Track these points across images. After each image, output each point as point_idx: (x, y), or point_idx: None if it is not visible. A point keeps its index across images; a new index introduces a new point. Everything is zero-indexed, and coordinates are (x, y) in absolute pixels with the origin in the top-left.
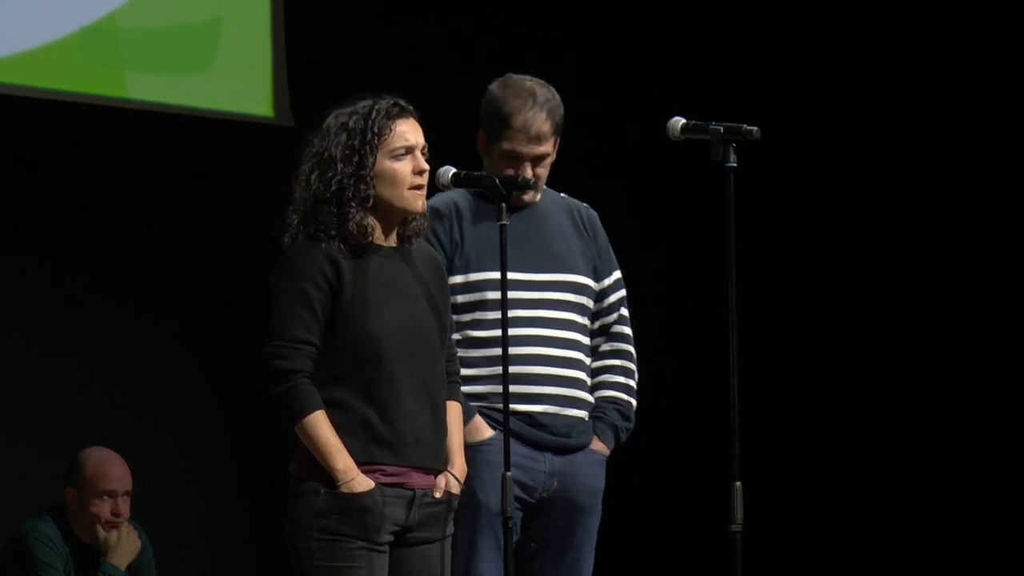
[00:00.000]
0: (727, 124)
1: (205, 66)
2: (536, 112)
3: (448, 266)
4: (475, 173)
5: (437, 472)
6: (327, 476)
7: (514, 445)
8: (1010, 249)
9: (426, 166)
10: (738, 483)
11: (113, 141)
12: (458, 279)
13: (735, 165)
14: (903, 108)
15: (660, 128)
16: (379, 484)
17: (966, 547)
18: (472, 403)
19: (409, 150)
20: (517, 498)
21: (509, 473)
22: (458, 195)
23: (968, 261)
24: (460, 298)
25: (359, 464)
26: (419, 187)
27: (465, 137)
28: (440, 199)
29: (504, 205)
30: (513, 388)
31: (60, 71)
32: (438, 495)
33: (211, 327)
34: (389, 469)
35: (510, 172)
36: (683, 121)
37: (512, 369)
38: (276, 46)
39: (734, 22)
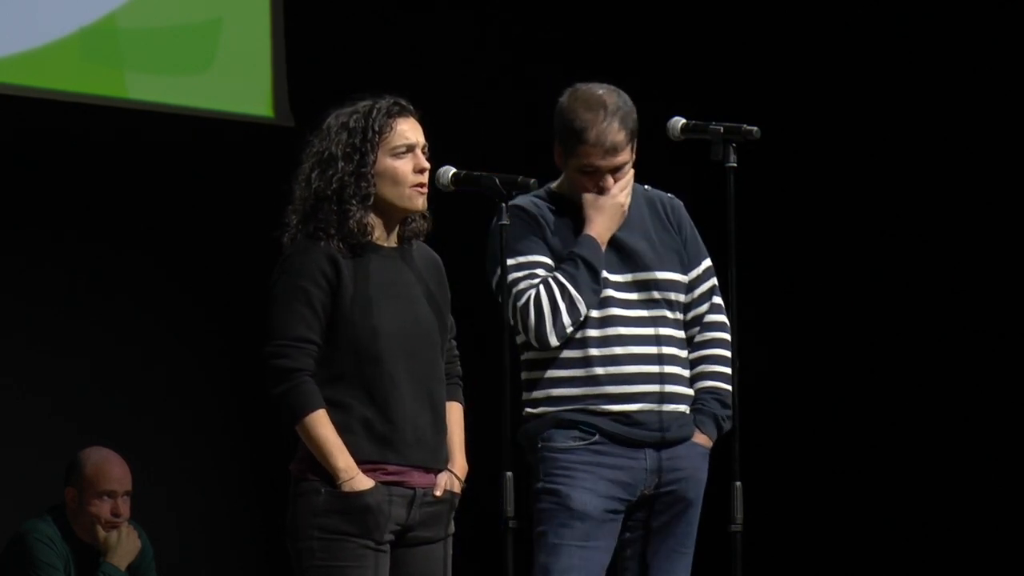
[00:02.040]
0: (727, 124)
1: (205, 66)
2: (609, 123)
3: None
4: (475, 173)
5: (437, 472)
6: (328, 475)
7: (610, 446)
8: (1010, 249)
9: (427, 164)
10: (738, 483)
11: (113, 141)
12: None
13: (735, 165)
14: (903, 108)
15: (660, 128)
16: (380, 483)
17: (966, 547)
18: (564, 406)
19: (410, 148)
20: (617, 498)
21: (509, 474)
22: (524, 199)
23: (968, 261)
24: None
25: (359, 463)
26: (420, 185)
27: (465, 137)
28: (519, 200)
29: (504, 205)
30: (608, 389)
31: (60, 71)
32: (439, 493)
33: (211, 327)
34: (390, 468)
35: (590, 184)
36: (683, 121)
37: (605, 370)
38: (276, 46)
39: (734, 22)
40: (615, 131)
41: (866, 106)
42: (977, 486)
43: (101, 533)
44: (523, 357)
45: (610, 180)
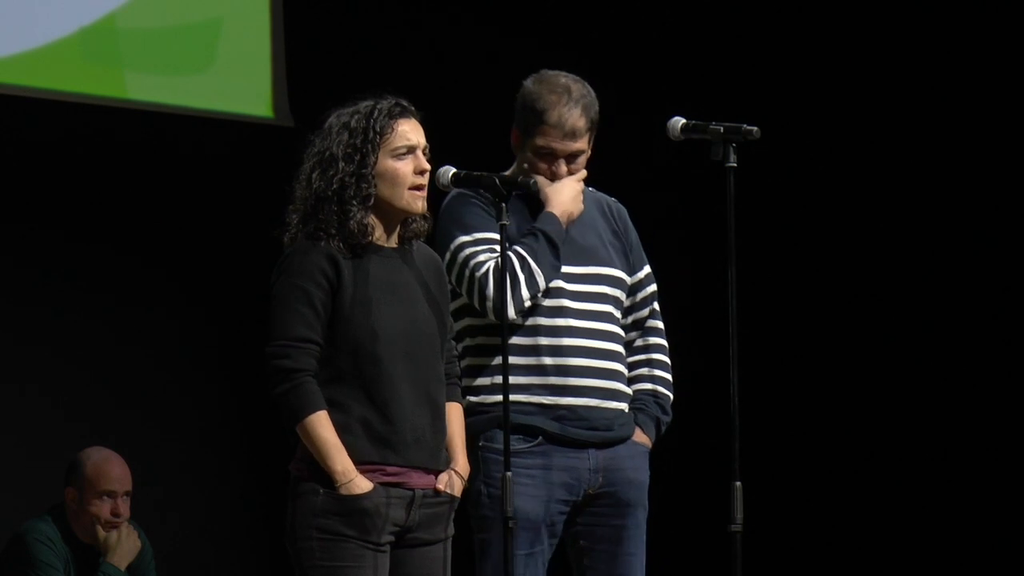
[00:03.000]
0: (727, 124)
1: (205, 66)
2: (571, 108)
3: None
4: (475, 173)
5: (437, 472)
6: (327, 476)
7: (553, 448)
8: (1010, 249)
9: (427, 166)
10: (738, 483)
11: (113, 141)
12: None
13: (735, 165)
14: (903, 108)
15: (660, 128)
16: (379, 484)
17: (966, 547)
18: (511, 395)
19: (410, 150)
20: (562, 500)
21: (509, 473)
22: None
23: (968, 261)
24: None
25: (359, 464)
26: (419, 187)
27: (465, 137)
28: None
29: (504, 205)
30: (553, 380)
31: (60, 71)
32: (440, 487)
33: (211, 327)
34: (389, 469)
35: (543, 167)
36: (683, 121)
37: (552, 361)
38: (276, 46)
39: (734, 22)
40: (576, 116)
41: (866, 106)
42: (977, 486)
43: (101, 533)
44: (466, 344)
45: (563, 167)
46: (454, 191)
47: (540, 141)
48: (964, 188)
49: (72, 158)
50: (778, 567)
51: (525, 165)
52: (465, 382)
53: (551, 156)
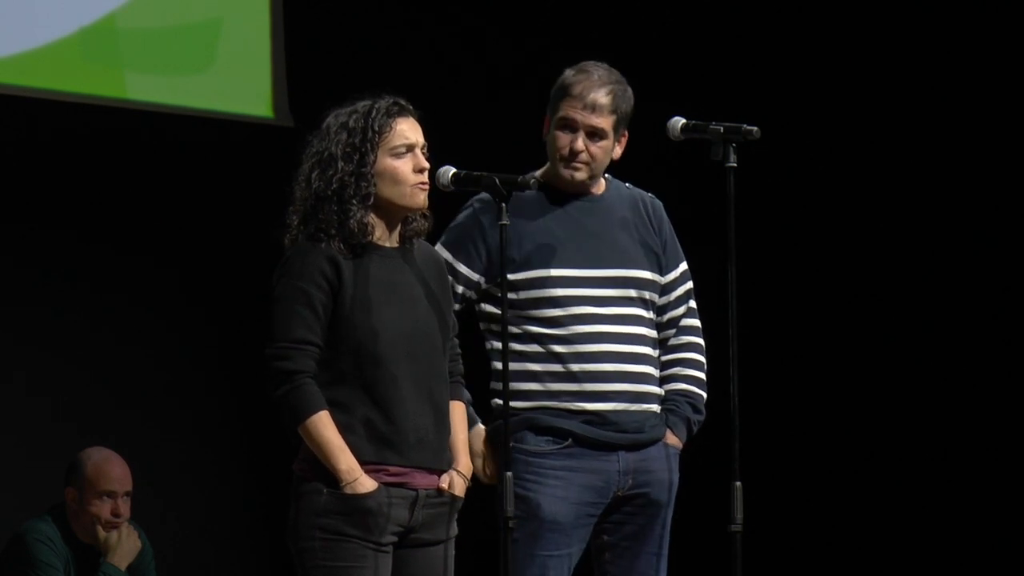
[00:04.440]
0: (727, 124)
1: (205, 66)
2: (596, 85)
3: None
4: (475, 173)
5: (440, 472)
6: (330, 476)
7: (583, 450)
8: (1010, 249)
9: (426, 164)
10: (738, 483)
11: (113, 141)
12: (519, 276)
13: (735, 165)
14: (903, 108)
15: (660, 128)
16: (383, 484)
17: (966, 547)
18: (537, 402)
19: (409, 148)
20: (590, 503)
21: (509, 473)
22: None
23: (968, 261)
24: (522, 294)
25: (362, 464)
26: (421, 184)
27: (465, 137)
28: (484, 198)
29: (504, 205)
30: (582, 386)
31: (60, 71)
32: (443, 485)
33: (211, 327)
34: (392, 469)
35: (564, 140)
36: (683, 121)
37: (579, 367)
38: (276, 46)
39: (734, 22)
40: (601, 94)
41: (866, 106)
42: (977, 486)
43: (101, 533)
44: (495, 346)
45: (581, 143)
46: (471, 207)
47: (561, 113)
48: (964, 188)
49: (72, 158)
50: (778, 567)
51: (551, 151)
52: (492, 385)
53: (571, 129)
